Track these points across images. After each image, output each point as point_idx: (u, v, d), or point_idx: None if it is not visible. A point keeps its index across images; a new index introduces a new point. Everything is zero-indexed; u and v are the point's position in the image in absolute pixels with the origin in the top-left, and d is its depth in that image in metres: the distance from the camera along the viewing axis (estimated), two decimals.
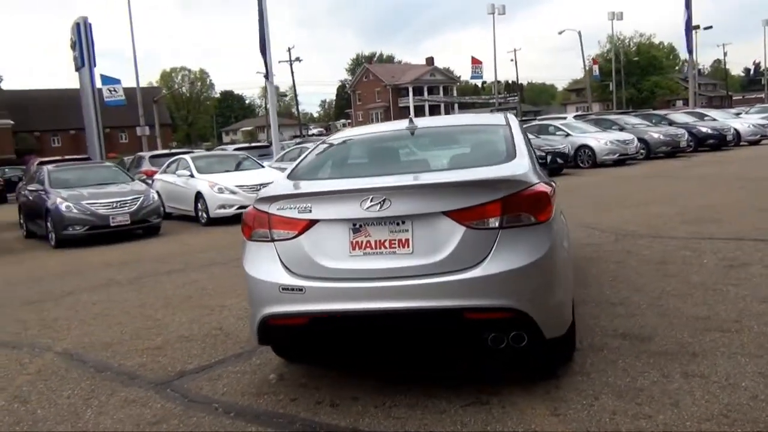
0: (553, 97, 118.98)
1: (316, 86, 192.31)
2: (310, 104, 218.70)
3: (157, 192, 13.56)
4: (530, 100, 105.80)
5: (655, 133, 21.64)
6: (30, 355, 5.13)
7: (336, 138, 5.01)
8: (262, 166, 15.45)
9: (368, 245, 3.40)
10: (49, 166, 13.84)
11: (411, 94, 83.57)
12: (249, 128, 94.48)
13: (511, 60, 72.72)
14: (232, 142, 67.22)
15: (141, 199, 12.17)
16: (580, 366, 3.90)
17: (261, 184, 12.19)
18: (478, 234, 3.28)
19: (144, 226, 12.28)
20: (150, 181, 15.59)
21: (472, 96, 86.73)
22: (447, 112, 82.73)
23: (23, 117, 65.76)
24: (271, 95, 16.17)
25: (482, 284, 3.23)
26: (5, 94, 74.01)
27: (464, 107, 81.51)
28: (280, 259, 3.55)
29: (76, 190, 12.31)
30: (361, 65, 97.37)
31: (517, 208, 3.31)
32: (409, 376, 3.93)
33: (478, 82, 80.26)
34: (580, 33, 53.99)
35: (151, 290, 7.26)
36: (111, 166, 15.08)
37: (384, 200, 3.34)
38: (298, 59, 63.11)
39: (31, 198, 13.25)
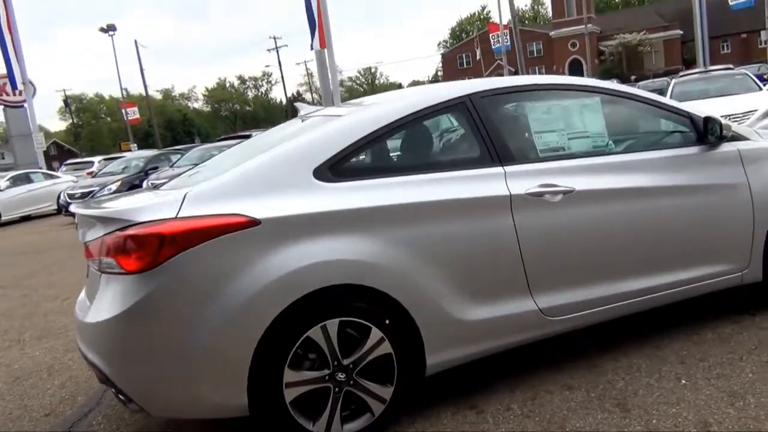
0: None
1: None
2: None
3: None
4: None
5: None
6: None
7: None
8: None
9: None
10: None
11: None
12: None
13: None
14: None
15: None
16: None
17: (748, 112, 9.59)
18: (93, 274, 2.89)
19: None
20: None
21: None
22: None
23: (690, 26, 65.59)
24: None
25: (86, 330, 2.83)
26: (673, 4, 75.23)
27: None
28: None
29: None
30: None
31: (109, 250, 2.70)
32: None
33: None
34: None
35: None
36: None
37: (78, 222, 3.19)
38: None
39: None
